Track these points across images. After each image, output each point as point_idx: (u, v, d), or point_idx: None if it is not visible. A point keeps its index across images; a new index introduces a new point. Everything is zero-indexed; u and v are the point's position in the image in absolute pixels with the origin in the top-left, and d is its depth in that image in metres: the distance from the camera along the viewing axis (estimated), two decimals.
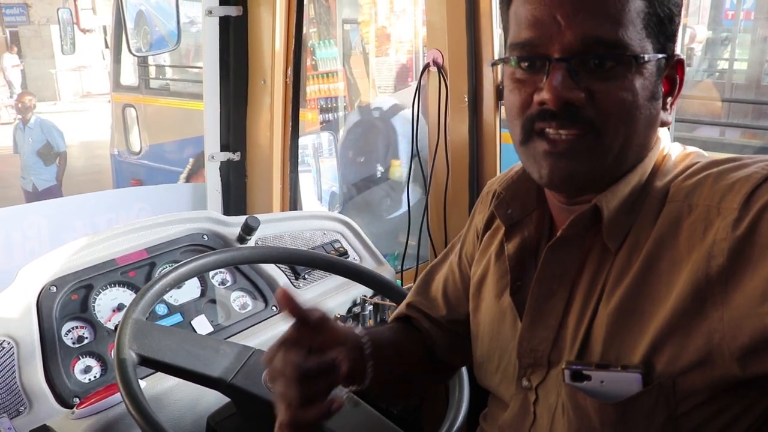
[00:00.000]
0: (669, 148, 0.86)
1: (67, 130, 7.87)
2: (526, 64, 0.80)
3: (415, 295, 1.15)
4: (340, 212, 2.78)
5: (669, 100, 0.83)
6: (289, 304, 0.82)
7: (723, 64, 6.42)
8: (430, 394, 1.24)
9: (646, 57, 0.77)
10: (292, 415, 0.79)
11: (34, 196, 6.95)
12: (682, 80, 0.84)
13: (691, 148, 0.87)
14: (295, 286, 1.67)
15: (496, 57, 1.66)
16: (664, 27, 0.79)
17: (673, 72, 0.83)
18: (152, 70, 6.43)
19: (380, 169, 4.08)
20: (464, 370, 1.30)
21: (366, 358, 0.91)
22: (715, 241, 0.71)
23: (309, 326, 0.83)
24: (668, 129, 0.87)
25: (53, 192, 7.00)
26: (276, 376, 0.81)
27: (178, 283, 1.32)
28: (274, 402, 0.81)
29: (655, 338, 0.74)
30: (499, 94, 1.69)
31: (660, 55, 0.79)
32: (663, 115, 0.83)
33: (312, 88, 4.85)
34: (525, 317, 0.87)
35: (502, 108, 1.22)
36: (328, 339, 0.84)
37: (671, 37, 0.81)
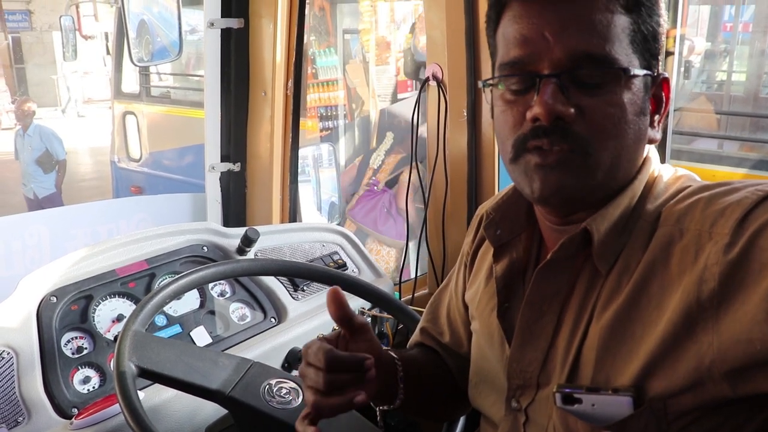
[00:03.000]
0: (660, 170, 0.86)
1: (67, 136, 7.87)
2: (515, 83, 0.81)
3: (426, 321, 1.17)
4: (338, 223, 2.79)
5: (656, 117, 0.84)
6: (337, 303, 0.88)
7: (721, 76, 6.44)
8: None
9: (633, 71, 0.78)
10: (315, 400, 0.85)
11: (36, 203, 6.94)
12: (668, 98, 0.85)
13: (682, 171, 0.88)
14: (293, 297, 1.68)
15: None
16: (648, 44, 0.80)
17: (659, 90, 0.84)
18: (153, 78, 6.45)
19: None
20: None
21: (399, 380, 0.98)
22: (706, 266, 0.71)
23: (350, 330, 0.90)
24: (662, 145, 0.88)
25: (53, 200, 6.96)
26: (308, 364, 0.86)
27: (177, 295, 1.33)
28: (304, 388, 0.89)
29: (645, 361, 0.75)
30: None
31: (646, 72, 0.80)
32: (651, 132, 0.84)
33: (312, 97, 4.87)
34: (515, 338, 0.88)
35: None
36: (363, 348, 0.91)
37: (656, 56, 0.82)
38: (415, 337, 1.19)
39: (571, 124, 0.77)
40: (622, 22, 0.77)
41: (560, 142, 0.77)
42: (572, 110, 0.76)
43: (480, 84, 0.89)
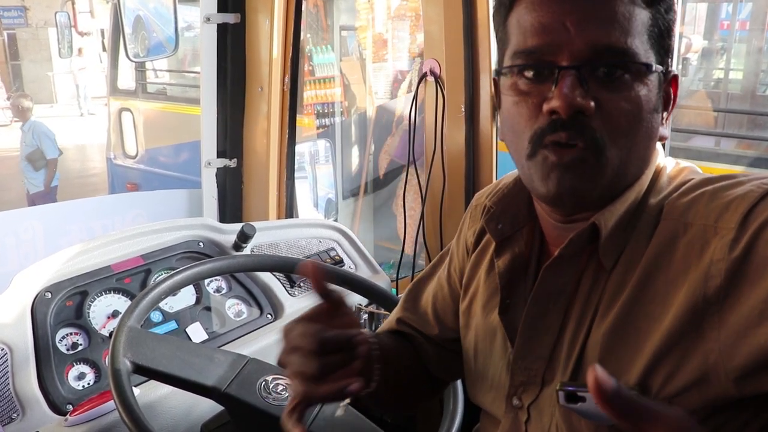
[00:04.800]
0: (663, 163, 0.85)
1: (63, 133, 7.85)
2: (531, 73, 0.78)
3: (403, 310, 1.13)
4: (335, 220, 2.79)
5: (665, 114, 0.83)
6: (315, 275, 0.80)
7: (719, 74, 6.44)
8: (423, 406, 1.23)
9: (654, 67, 0.77)
10: (305, 389, 0.78)
11: (30, 199, 6.93)
12: (676, 95, 0.84)
13: (684, 163, 0.87)
14: (290, 294, 1.67)
15: (494, 67, 1.67)
16: (663, 40, 0.79)
17: (668, 87, 0.83)
18: (150, 74, 6.43)
19: None
20: (459, 381, 1.30)
21: (375, 359, 0.91)
22: (712, 261, 0.70)
23: (329, 304, 0.82)
24: (664, 143, 0.87)
25: (42, 197, 6.89)
26: (292, 349, 0.79)
27: (173, 291, 1.32)
28: (289, 377, 0.80)
29: (650, 358, 0.74)
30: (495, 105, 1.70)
31: (661, 68, 0.79)
32: (661, 130, 0.82)
33: (308, 94, 4.85)
34: (520, 335, 0.86)
35: (498, 118, 1.23)
36: (345, 322, 0.83)
37: (668, 52, 0.81)
38: (388, 324, 1.14)
39: (588, 119, 0.75)
40: (642, 16, 0.76)
41: (577, 137, 0.75)
42: (592, 103, 0.74)
43: (493, 73, 0.87)
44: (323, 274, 0.80)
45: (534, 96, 0.78)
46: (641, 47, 0.76)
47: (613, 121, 0.75)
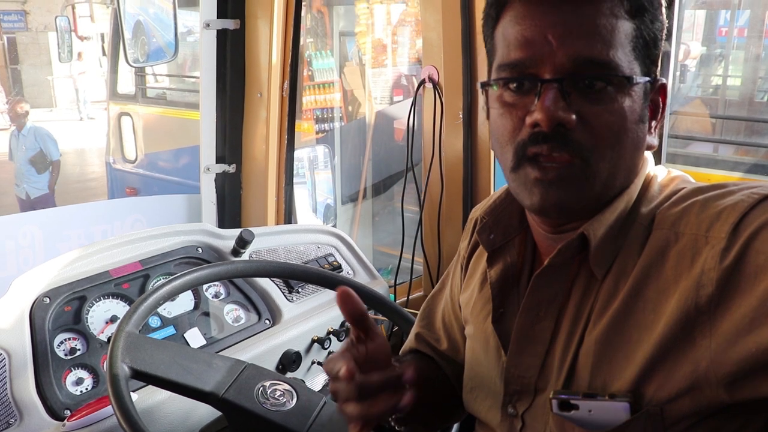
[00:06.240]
0: (654, 171, 0.86)
1: (62, 137, 7.85)
2: (515, 85, 0.79)
3: (420, 327, 1.15)
4: (333, 225, 2.79)
5: (653, 123, 0.84)
6: (350, 302, 0.83)
7: (717, 81, 6.47)
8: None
9: (636, 79, 0.77)
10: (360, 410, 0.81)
11: (28, 204, 6.91)
12: (665, 104, 0.85)
13: (675, 172, 0.87)
14: (288, 299, 1.67)
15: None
16: (649, 50, 0.79)
17: (656, 96, 0.83)
18: (149, 79, 6.44)
19: None
20: None
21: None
22: (703, 271, 0.71)
23: (365, 331, 0.84)
24: (658, 148, 0.88)
25: (45, 200, 6.92)
26: (346, 401, 0.82)
27: (171, 296, 1.32)
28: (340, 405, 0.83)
29: (642, 366, 0.74)
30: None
31: (646, 79, 0.79)
32: (648, 139, 0.83)
33: (308, 99, 4.86)
34: (512, 343, 0.87)
35: None
36: (381, 347, 0.85)
37: (655, 61, 0.81)
38: (409, 342, 1.17)
39: (571, 131, 0.75)
40: (626, 27, 0.76)
41: (560, 149, 0.76)
42: (573, 117, 0.75)
43: (478, 85, 0.88)
44: (355, 302, 0.83)
45: (518, 108, 0.79)
46: (624, 59, 0.76)
47: (597, 133, 0.76)
